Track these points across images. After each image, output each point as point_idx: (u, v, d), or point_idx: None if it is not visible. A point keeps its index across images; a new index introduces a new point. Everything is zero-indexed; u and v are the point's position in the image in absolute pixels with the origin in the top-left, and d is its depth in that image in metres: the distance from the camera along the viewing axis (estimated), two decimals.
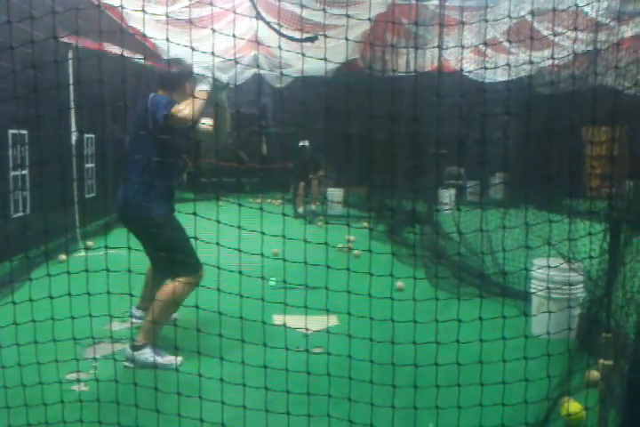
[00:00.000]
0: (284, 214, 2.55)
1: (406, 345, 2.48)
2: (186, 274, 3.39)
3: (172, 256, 3.30)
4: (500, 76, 10.81)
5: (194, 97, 3.25)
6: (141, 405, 2.47)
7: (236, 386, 2.45)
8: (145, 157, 3.36)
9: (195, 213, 2.43)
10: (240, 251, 2.46)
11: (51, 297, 2.49)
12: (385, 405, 2.41)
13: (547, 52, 7.79)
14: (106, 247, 2.53)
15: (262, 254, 2.50)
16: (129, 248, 2.55)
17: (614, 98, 3.45)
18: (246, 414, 2.40)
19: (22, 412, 2.50)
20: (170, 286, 3.44)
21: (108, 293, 2.48)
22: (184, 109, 3.27)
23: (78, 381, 3.03)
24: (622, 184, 3.63)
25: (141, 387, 2.52)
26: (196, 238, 2.48)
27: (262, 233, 2.44)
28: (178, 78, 3.63)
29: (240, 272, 2.49)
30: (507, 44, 8.46)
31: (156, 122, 3.32)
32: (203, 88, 3.46)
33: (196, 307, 2.44)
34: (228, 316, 2.52)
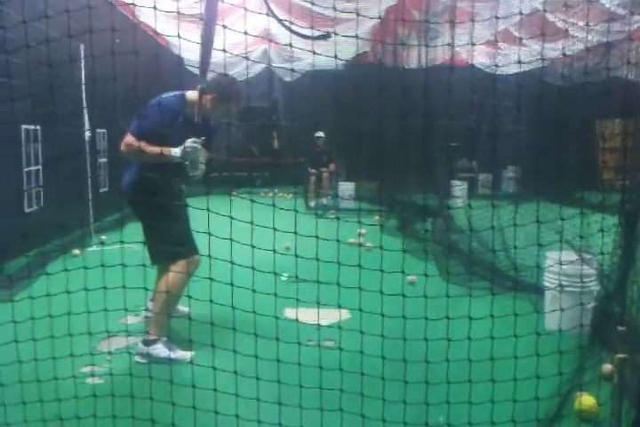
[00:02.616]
0: (296, 211, 2.56)
1: (417, 341, 2.48)
2: (177, 258, 3.47)
3: (164, 239, 3.41)
4: (513, 69, 10.73)
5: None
6: (156, 397, 2.49)
7: (249, 379, 2.47)
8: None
9: (208, 209, 2.44)
10: (252, 246, 2.47)
11: (68, 292, 2.52)
12: (396, 400, 2.42)
13: (559, 44, 7.73)
14: (121, 242, 2.55)
15: (274, 250, 2.51)
16: (143, 243, 2.57)
17: (628, 90, 3.42)
18: (260, 407, 2.42)
19: (37, 407, 2.54)
20: (167, 276, 3.49)
21: (124, 287, 2.50)
22: (126, 147, 3.31)
23: (92, 375, 3.07)
24: (636, 177, 3.60)
25: (156, 380, 2.55)
26: (209, 234, 2.49)
27: (274, 229, 2.44)
28: (227, 91, 3.56)
29: (253, 267, 2.50)
30: (518, 36, 8.40)
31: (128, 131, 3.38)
32: (173, 153, 3.31)
33: (210, 301, 2.45)
34: (241, 310, 2.54)
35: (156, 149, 3.26)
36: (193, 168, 3.36)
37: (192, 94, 3.52)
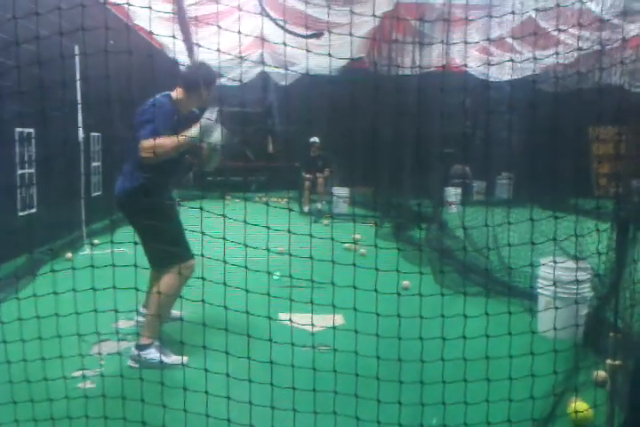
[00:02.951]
0: (291, 209, 2.55)
1: (412, 341, 2.47)
2: (172, 263, 3.40)
3: (159, 244, 3.36)
4: (506, 75, 10.78)
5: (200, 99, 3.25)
6: (147, 400, 2.47)
7: (241, 382, 2.45)
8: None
9: (201, 208, 2.43)
10: (246, 245, 2.46)
11: (55, 293, 2.50)
12: (391, 401, 2.40)
13: (552, 51, 7.77)
14: (112, 242, 2.53)
15: (268, 249, 2.50)
16: (135, 243, 2.55)
17: (621, 97, 3.44)
18: (252, 410, 2.40)
19: (28, 407, 2.51)
20: (162, 278, 3.47)
21: (114, 288, 2.48)
22: (149, 150, 3.21)
23: (84, 377, 3.05)
24: (629, 183, 3.62)
25: (147, 382, 2.53)
26: (203, 233, 2.48)
27: (268, 227, 2.43)
28: (200, 82, 3.54)
29: (246, 267, 2.49)
30: (512, 43, 8.44)
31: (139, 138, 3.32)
32: (192, 133, 3.33)
33: (202, 301, 2.43)
34: (234, 311, 2.52)
35: (175, 139, 3.23)
36: (213, 146, 3.40)
37: (174, 93, 3.59)
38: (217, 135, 3.40)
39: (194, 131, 3.33)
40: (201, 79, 3.56)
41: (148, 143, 3.23)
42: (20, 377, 2.59)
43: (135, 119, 3.50)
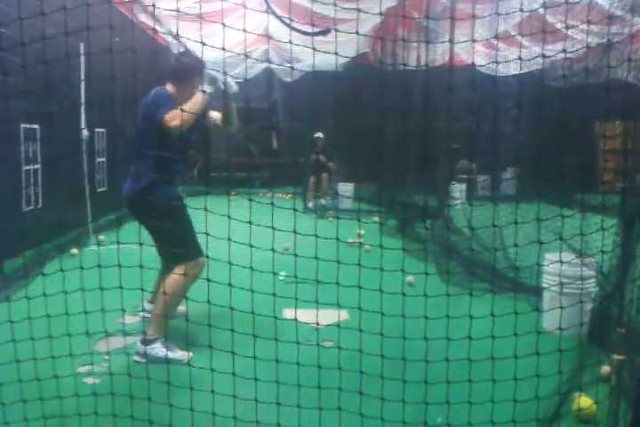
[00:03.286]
0: (295, 209, 2.55)
1: (417, 340, 2.47)
2: (182, 261, 3.43)
3: (170, 243, 3.39)
4: (512, 70, 10.72)
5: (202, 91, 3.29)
6: (154, 398, 2.48)
7: (247, 380, 2.46)
8: (150, 151, 3.40)
9: (205, 209, 2.43)
10: (251, 246, 2.46)
11: (65, 292, 2.51)
12: (395, 399, 2.41)
13: (559, 46, 7.72)
14: (118, 242, 2.54)
15: (273, 249, 2.50)
16: (140, 244, 2.56)
17: (628, 92, 3.41)
18: (258, 408, 2.41)
19: (37, 405, 2.53)
20: (170, 278, 3.49)
21: (121, 287, 2.49)
22: (175, 119, 3.22)
23: (90, 375, 3.06)
24: (636, 179, 3.59)
25: (154, 380, 2.54)
26: (206, 234, 2.48)
27: (273, 228, 2.44)
28: (186, 72, 3.59)
29: (251, 267, 2.49)
30: (519, 38, 8.39)
31: (158, 122, 3.32)
32: (207, 90, 3.39)
33: (208, 302, 2.44)
34: (239, 311, 2.53)
35: (193, 101, 3.32)
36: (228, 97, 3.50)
37: (168, 87, 3.61)
38: (229, 84, 3.48)
39: (205, 87, 3.38)
40: (186, 70, 3.60)
41: (170, 114, 3.25)
42: (26, 375, 2.60)
43: (141, 114, 3.51)
